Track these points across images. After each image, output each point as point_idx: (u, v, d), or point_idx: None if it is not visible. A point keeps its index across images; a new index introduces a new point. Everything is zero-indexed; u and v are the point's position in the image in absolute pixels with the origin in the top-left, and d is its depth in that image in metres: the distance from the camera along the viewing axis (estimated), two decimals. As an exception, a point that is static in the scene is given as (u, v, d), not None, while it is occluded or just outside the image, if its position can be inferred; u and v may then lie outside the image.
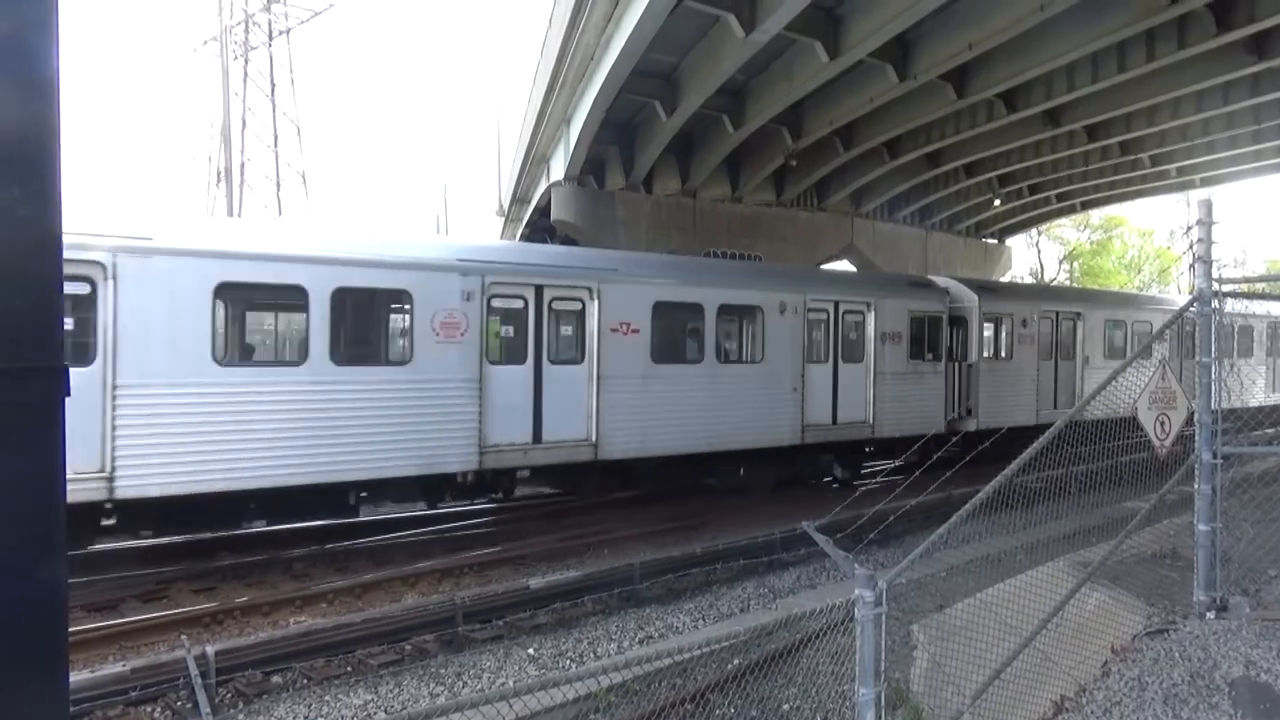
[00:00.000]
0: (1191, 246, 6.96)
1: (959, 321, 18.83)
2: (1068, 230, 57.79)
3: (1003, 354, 19.65)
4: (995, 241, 40.46)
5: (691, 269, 16.11)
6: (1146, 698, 5.76)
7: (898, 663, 7.24)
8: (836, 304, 16.23)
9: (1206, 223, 6.77)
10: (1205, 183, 33.33)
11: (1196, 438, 6.62)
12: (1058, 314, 20.71)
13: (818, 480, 17.25)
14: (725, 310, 14.90)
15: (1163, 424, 6.86)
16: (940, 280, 19.31)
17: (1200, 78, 20.58)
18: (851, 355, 16.49)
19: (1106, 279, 55.64)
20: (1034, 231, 52.22)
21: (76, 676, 7.12)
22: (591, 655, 8.77)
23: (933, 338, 17.74)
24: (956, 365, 18.50)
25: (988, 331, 19.33)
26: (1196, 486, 6.71)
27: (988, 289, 20.22)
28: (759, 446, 15.13)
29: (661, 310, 14.00)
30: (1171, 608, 7.07)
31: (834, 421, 16.13)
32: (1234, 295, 7.00)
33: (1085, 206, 40.84)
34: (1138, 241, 60.01)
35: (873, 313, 16.64)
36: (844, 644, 4.77)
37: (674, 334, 14.66)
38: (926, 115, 22.71)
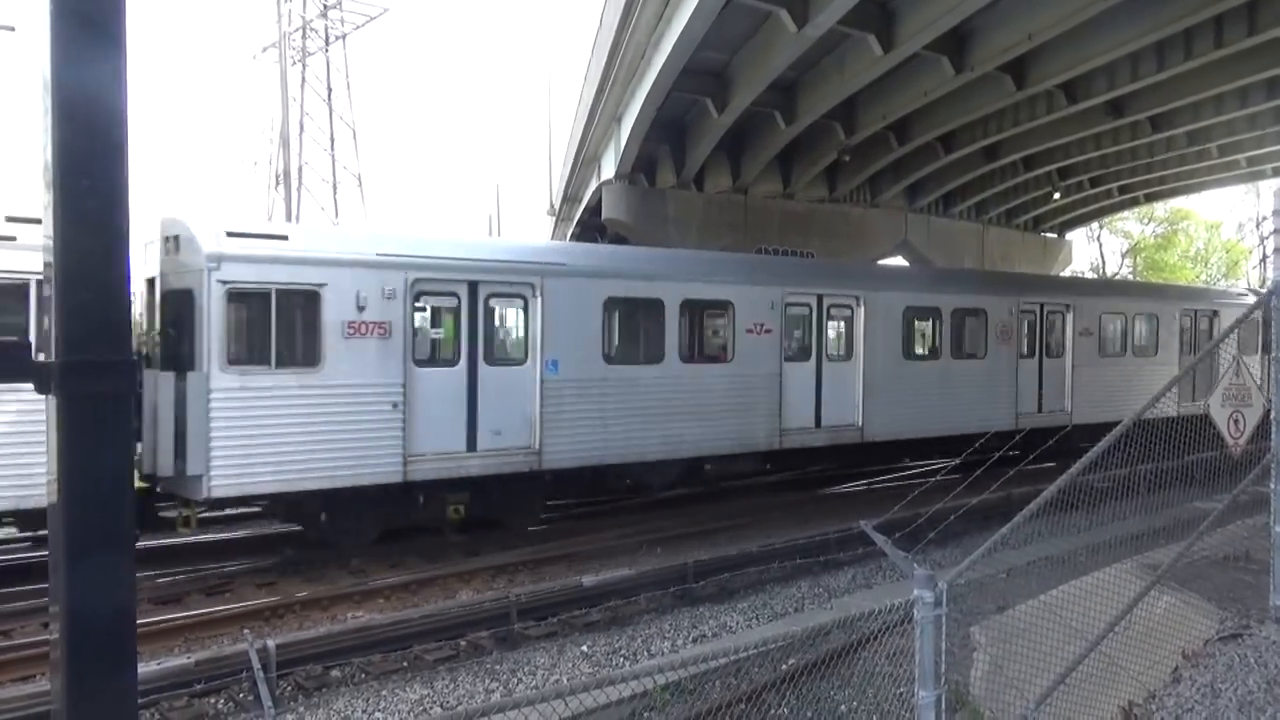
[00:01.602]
0: (1263, 240, 6.72)
1: (178, 297, 10.17)
2: (1130, 224, 56.27)
3: (295, 357, 10.63)
4: (1055, 236, 39.49)
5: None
6: (1220, 705, 5.56)
7: (957, 665, 7.10)
8: None
9: (1282, 213, 6.52)
10: (1277, 173, 32.15)
11: (1273, 436, 6.38)
12: (465, 285, 11.73)
13: None
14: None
15: (1236, 422, 6.62)
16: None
17: (1271, 64, 19.77)
18: None
19: (1171, 273, 54.01)
20: (1095, 225, 50.89)
21: (143, 668, 7.30)
22: (645, 653, 8.77)
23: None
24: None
25: (240, 315, 10.40)
26: (1272, 487, 6.47)
27: (279, 237, 10.99)
28: None
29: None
30: (1245, 612, 6.84)
31: None
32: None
33: (1149, 199, 39.61)
34: (1205, 234, 58.18)
35: None
36: (902, 645, 4.68)
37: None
38: (983, 108, 22.19)
